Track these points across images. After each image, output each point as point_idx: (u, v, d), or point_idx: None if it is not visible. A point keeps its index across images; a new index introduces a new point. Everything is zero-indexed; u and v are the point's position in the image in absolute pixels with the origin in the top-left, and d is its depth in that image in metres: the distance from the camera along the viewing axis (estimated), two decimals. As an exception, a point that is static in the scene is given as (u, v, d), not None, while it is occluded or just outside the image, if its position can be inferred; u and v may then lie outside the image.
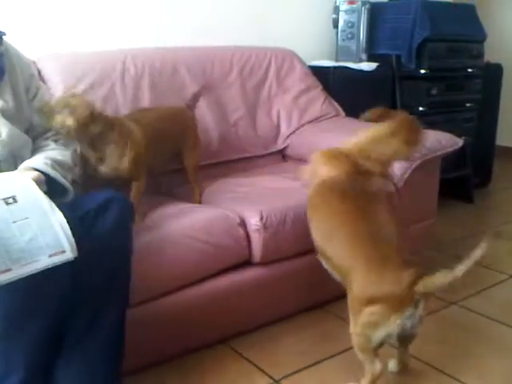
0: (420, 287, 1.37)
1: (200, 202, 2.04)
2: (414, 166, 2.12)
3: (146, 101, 2.18)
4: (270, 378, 1.66)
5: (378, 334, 1.42)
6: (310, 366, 1.72)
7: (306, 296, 2.01)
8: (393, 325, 1.40)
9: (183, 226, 1.71)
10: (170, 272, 1.64)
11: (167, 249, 1.63)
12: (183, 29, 2.60)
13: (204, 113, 2.34)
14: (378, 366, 1.47)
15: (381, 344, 1.46)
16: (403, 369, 1.65)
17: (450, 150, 2.25)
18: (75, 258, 1.17)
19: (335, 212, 1.58)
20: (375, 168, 1.67)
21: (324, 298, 2.07)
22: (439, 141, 2.24)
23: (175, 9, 2.57)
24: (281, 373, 1.68)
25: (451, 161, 2.72)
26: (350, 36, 3.07)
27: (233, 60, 2.51)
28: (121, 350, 1.41)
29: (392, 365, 1.65)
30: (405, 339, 1.55)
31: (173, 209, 1.87)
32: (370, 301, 1.42)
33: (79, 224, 1.28)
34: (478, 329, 1.95)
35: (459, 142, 2.30)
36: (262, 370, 1.70)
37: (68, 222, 1.18)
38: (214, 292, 1.75)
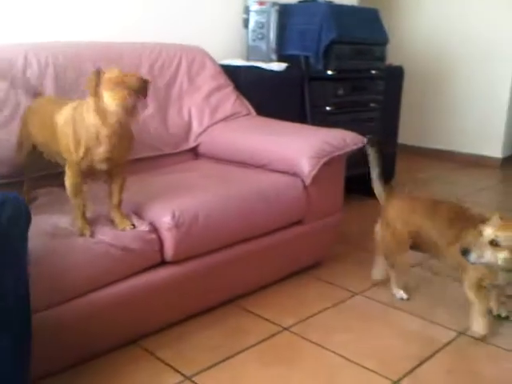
0: None
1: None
2: (321, 164, 2.21)
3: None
4: (182, 375, 1.67)
5: None
6: (221, 361, 1.74)
7: (216, 292, 2.03)
8: None
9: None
10: (76, 277, 1.59)
11: (72, 253, 1.58)
12: (89, 23, 2.54)
13: (113, 110, 2.29)
14: None
15: None
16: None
17: (354, 147, 2.36)
18: None
19: None
20: None
21: (235, 293, 2.10)
22: (344, 139, 2.34)
23: (79, 2, 2.50)
24: (193, 370, 1.69)
25: (356, 158, 2.84)
26: (260, 36, 3.13)
27: (142, 56, 2.48)
28: (26, 358, 1.35)
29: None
30: None
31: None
32: None
33: None
34: (379, 316, 2.06)
35: (363, 140, 2.41)
36: (174, 368, 1.70)
37: None
38: (124, 293, 1.72)
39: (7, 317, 1.29)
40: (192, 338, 1.87)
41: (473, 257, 1.70)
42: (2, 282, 1.29)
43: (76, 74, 2.21)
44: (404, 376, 1.68)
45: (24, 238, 1.35)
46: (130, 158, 2.29)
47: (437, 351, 1.82)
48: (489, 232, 1.68)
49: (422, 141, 4.94)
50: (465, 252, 1.71)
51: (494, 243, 1.66)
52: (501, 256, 1.66)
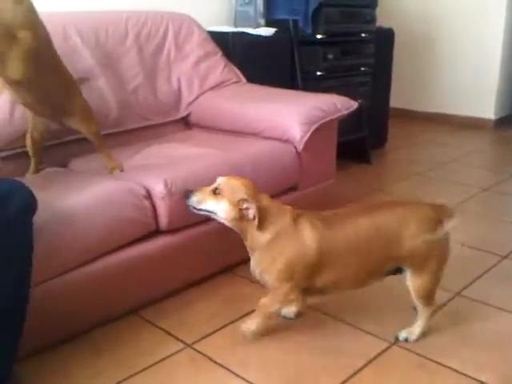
0: None
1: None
2: (312, 129, 2.19)
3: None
4: (183, 343, 1.68)
5: None
6: (220, 328, 1.76)
7: (214, 260, 2.03)
8: None
9: (85, 200, 1.65)
10: (73, 248, 1.59)
11: (68, 225, 1.57)
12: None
13: (100, 80, 2.25)
14: None
15: None
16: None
17: (345, 112, 2.34)
18: None
19: None
20: None
21: (232, 262, 2.11)
22: (335, 104, 2.32)
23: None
24: (193, 337, 1.71)
25: (348, 123, 2.83)
26: (247, 1, 3.07)
27: (128, 25, 2.42)
28: (13, 337, 1.37)
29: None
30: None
31: (74, 182, 1.80)
32: None
33: None
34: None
35: (354, 104, 2.39)
36: (175, 336, 1.72)
37: None
38: (121, 263, 1.72)
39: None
40: (191, 307, 1.88)
41: (193, 200, 1.57)
42: (10, 267, 1.31)
43: (61, 44, 2.16)
44: (401, 336, 1.71)
45: (31, 227, 1.36)
46: (121, 129, 2.30)
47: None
48: (217, 181, 1.58)
49: (414, 104, 4.91)
50: (187, 195, 1.58)
51: (216, 191, 1.55)
52: (221, 206, 1.55)
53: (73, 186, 1.75)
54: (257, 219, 1.53)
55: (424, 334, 1.70)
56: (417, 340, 1.68)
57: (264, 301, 1.63)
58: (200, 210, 1.59)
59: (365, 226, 1.58)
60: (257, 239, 1.58)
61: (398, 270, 1.64)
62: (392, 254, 1.58)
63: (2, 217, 1.28)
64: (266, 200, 1.59)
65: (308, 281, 1.59)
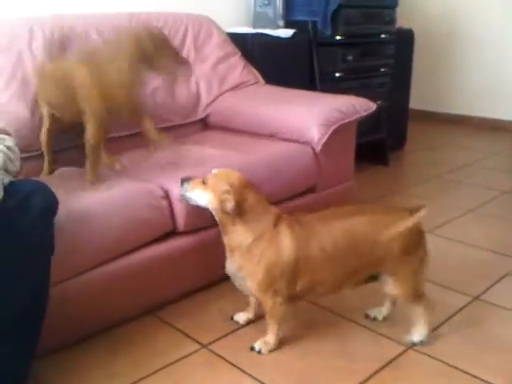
0: None
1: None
2: (330, 131, 2.19)
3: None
4: (199, 343, 1.69)
5: None
6: (236, 330, 1.76)
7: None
8: None
9: (102, 201, 1.67)
10: (89, 250, 1.60)
11: (85, 227, 1.58)
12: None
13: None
14: None
15: None
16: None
17: (364, 114, 2.33)
18: None
19: None
20: None
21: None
22: (354, 105, 2.31)
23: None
24: (209, 338, 1.71)
25: (367, 125, 2.81)
26: (266, 2, 3.07)
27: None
28: (33, 337, 1.39)
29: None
30: None
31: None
32: None
33: None
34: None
35: (373, 106, 2.38)
36: (191, 337, 1.72)
37: None
38: (138, 264, 1.74)
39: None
40: (208, 308, 1.88)
41: (184, 188, 1.61)
42: (32, 267, 1.33)
43: (84, 47, 2.18)
44: (419, 340, 1.69)
45: (52, 227, 1.39)
46: (139, 130, 2.31)
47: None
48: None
49: (435, 105, 4.86)
50: (182, 182, 1.63)
51: (204, 181, 1.59)
52: (205, 195, 1.57)
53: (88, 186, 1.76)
54: (232, 211, 1.53)
55: (441, 337, 1.68)
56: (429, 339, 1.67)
57: (268, 322, 1.65)
58: (189, 198, 1.63)
59: (340, 232, 1.58)
60: (238, 238, 1.58)
61: (375, 277, 1.64)
62: (369, 259, 1.58)
63: (25, 217, 1.30)
64: (252, 198, 1.57)
65: (289, 286, 1.59)
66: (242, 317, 1.80)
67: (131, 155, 2.11)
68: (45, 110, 1.94)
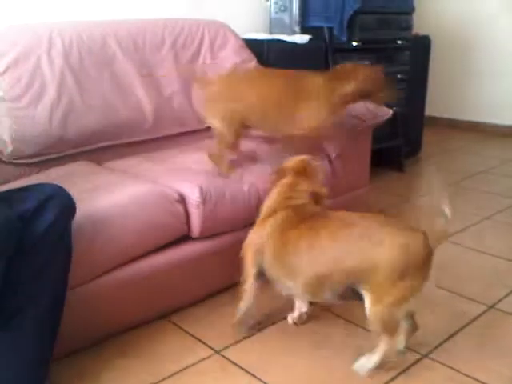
0: None
1: None
2: (346, 137, 2.18)
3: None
4: (212, 349, 1.70)
5: None
6: (251, 336, 1.76)
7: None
8: None
9: (117, 204, 1.67)
10: (104, 254, 1.61)
11: (100, 230, 1.59)
12: (111, 1, 2.53)
13: (136, 87, 2.29)
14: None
15: None
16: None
17: (380, 120, 2.32)
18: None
19: None
20: None
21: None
22: (370, 111, 2.31)
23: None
24: (222, 344, 1.71)
25: (383, 131, 2.81)
26: (282, 8, 3.08)
27: (164, 32, 2.46)
28: (52, 338, 1.41)
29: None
30: None
31: (103, 182, 1.81)
32: None
33: (17, 222, 1.26)
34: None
35: (389, 112, 2.37)
36: (204, 343, 1.73)
37: (6, 219, 1.19)
38: (152, 268, 1.75)
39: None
40: (221, 313, 1.88)
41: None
42: (51, 269, 1.36)
43: (100, 52, 2.21)
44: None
45: (70, 229, 1.42)
46: (157, 135, 2.34)
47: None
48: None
49: (450, 112, 4.83)
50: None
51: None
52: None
53: (102, 186, 1.76)
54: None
55: (456, 345, 1.67)
56: (373, 368, 1.56)
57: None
58: None
59: (327, 241, 1.53)
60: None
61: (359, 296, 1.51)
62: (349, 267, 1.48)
63: (44, 220, 1.33)
64: (292, 181, 1.67)
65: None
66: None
67: (149, 158, 2.12)
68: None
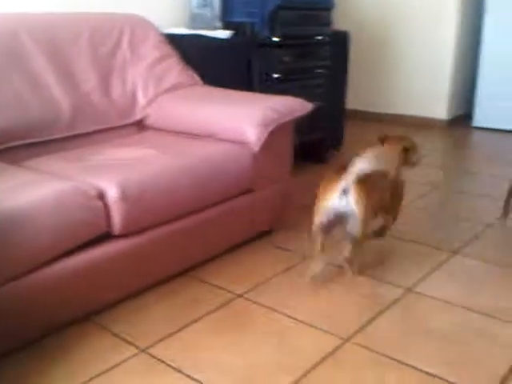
0: None
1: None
2: (268, 131, 2.21)
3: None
4: (136, 348, 1.67)
5: None
6: (176, 332, 1.75)
7: (170, 264, 2.03)
8: None
9: (32, 202, 1.59)
10: (19, 255, 1.54)
11: (13, 230, 1.52)
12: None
13: (51, 83, 2.21)
14: None
15: None
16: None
17: (300, 114, 2.37)
18: None
19: None
20: None
21: (189, 264, 2.11)
22: (290, 106, 2.35)
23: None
24: (147, 342, 1.70)
25: (306, 125, 2.86)
26: (204, 3, 3.07)
27: (81, 26, 2.39)
28: None
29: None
30: None
31: (17, 181, 1.73)
32: None
33: None
34: (332, 279, 2.11)
35: (309, 106, 2.42)
36: (128, 342, 1.70)
37: None
38: (72, 268, 1.69)
39: None
40: (147, 311, 1.87)
41: None
42: None
43: (12, 46, 2.12)
44: (355, 333, 1.74)
45: None
46: (75, 132, 2.27)
47: (387, 308, 1.89)
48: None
49: (371, 105, 5.00)
50: None
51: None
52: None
53: (16, 186, 1.68)
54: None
55: (377, 328, 1.74)
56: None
57: None
58: None
59: None
60: None
61: None
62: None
63: None
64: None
65: None
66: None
67: (66, 155, 2.05)
68: None
